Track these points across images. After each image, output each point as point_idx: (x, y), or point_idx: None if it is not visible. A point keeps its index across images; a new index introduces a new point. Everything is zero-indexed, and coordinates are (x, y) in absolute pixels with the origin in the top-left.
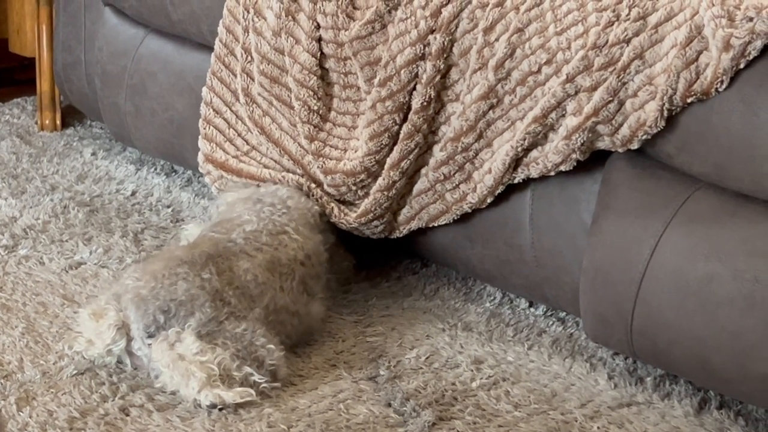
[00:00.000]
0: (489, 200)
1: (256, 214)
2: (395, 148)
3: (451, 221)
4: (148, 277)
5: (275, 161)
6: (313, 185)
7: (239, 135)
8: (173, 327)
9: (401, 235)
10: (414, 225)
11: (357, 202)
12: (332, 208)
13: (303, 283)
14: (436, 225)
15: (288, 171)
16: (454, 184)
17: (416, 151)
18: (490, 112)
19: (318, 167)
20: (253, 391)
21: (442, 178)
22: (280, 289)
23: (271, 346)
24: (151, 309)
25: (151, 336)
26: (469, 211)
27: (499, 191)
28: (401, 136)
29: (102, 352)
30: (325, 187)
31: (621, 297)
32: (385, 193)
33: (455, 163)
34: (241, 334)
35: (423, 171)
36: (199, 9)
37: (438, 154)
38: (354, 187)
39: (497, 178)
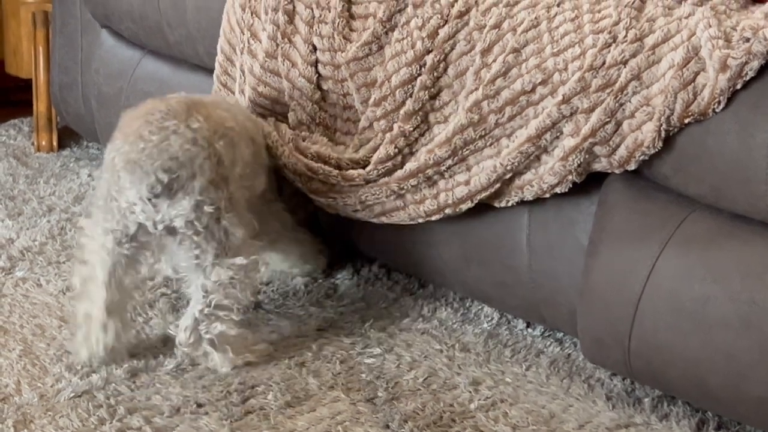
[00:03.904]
0: (448, 211)
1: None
2: (374, 155)
3: (405, 222)
4: (132, 139)
5: None
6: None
7: None
8: (178, 191)
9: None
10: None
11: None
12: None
13: (256, 155)
14: (386, 221)
15: None
16: (417, 189)
17: (389, 165)
18: (470, 128)
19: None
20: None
21: (408, 188)
22: (250, 141)
23: (238, 232)
24: (149, 169)
25: (157, 196)
26: (423, 217)
27: (463, 207)
28: (387, 138)
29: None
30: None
31: (618, 318)
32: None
33: (423, 175)
34: (221, 227)
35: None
36: (195, 31)
37: (409, 165)
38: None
39: (473, 192)
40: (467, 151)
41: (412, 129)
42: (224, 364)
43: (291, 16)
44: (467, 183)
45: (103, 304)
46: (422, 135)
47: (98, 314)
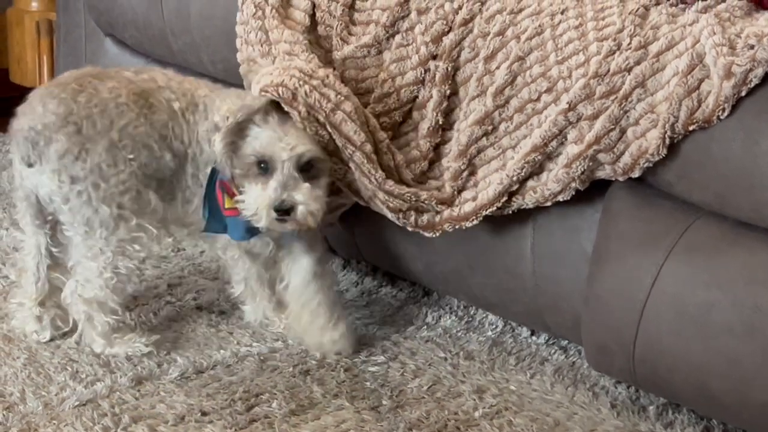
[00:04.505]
0: (447, 227)
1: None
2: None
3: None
4: (22, 108)
5: None
6: None
7: None
8: (42, 159)
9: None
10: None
11: None
12: None
13: (167, 128)
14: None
15: None
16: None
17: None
18: (483, 138)
19: None
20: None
21: (430, 201)
22: (141, 116)
23: (105, 208)
24: (20, 139)
25: (30, 165)
26: (419, 227)
27: (470, 223)
28: (423, 153)
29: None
30: None
31: (622, 325)
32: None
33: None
34: (84, 202)
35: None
36: (199, 39)
37: (432, 182)
38: None
39: (479, 206)
40: (478, 160)
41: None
42: (92, 338)
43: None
44: (474, 198)
45: (35, 297)
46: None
47: (31, 305)
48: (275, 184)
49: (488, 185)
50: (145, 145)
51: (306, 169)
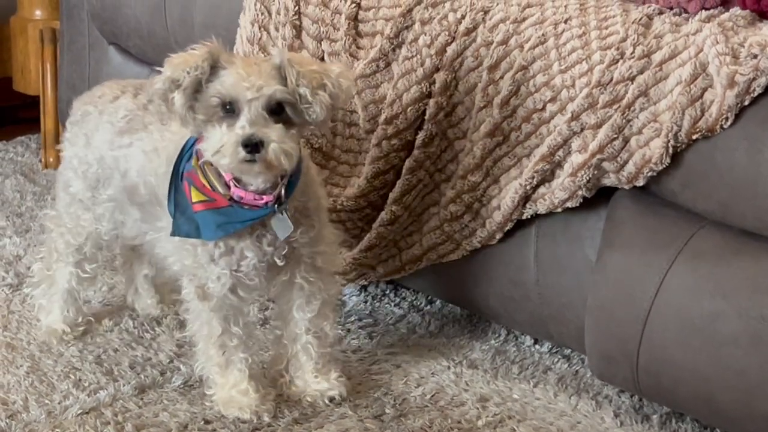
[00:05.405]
0: (498, 236)
1: None
2: (397, 182)
3: (461, 257)
4: None
5: None
6: None
7: None
8: None
9: (407, 274)
10: (423, 264)
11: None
12: None
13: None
14: (444, 261)
15: None
16: (462, 225)
17: (419, 186)
18: (497, 149)
19: None
20: None
21: (449, 216)
22: (116, 128)
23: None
24: None
25: None
26: (479, 246)
27: (508, 227)
28: (403, 171)
29: None
30: None
31: (626, 335)
32: (388, 227)
33: (462, 202)
34: None
35: (432, 210)
36: None
37: (448, 192)
38: (354, 216)
39: (506, 215)
40: (497, 170)
41: (439, 152)
42: None
43: (298, 30)
44: (499, 207)
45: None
46: (444, 151)
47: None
48: (243, 121)
49: (508, 193)
50: (103, 155)
51: (277, 112)
